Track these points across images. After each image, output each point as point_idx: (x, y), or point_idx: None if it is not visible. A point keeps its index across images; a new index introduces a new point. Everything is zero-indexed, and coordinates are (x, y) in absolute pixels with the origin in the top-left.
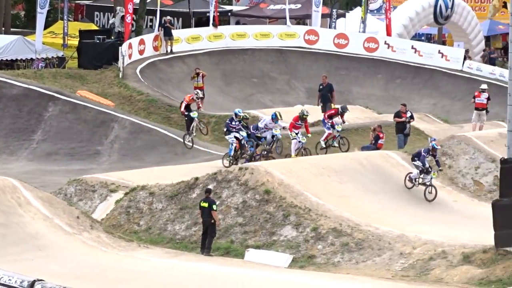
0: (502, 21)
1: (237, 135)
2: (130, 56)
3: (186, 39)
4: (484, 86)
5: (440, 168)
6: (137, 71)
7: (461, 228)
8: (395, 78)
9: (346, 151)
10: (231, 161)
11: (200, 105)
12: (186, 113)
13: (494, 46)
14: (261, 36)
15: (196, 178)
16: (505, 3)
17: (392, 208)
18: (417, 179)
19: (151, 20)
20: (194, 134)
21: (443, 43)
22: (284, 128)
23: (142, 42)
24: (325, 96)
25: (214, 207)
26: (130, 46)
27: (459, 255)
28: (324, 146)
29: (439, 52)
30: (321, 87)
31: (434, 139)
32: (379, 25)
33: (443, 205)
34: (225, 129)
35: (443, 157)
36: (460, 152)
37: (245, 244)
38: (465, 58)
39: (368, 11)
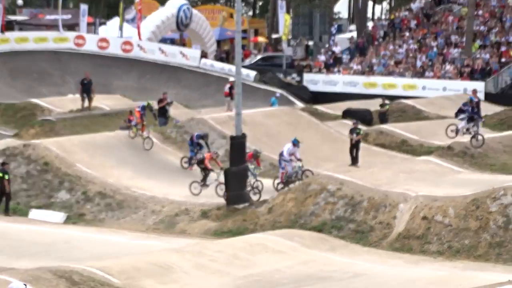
0: (229, 28)
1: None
2: None
3: None
4: (231, 79)
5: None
6: None
7: (203, 191)
8: (146, 73)
9: None
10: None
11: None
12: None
13: (223, 48)
14: (39, 40)
15: None
16: (231, 14)
17: (146, 176)
18: (463, 128)
19: None
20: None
21: (184, 45)
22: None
23: None
24: (87, 88)
25: (6, 176)
26: None
27: (198, 212)
28: (284, 186)
29: (180, 52)
30: (85, 81)
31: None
32: (133, 31)
33: (188, 173)
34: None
35: (185, 135)
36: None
37: (29, 205)
38: (201, 57)
39: (125, 20)
